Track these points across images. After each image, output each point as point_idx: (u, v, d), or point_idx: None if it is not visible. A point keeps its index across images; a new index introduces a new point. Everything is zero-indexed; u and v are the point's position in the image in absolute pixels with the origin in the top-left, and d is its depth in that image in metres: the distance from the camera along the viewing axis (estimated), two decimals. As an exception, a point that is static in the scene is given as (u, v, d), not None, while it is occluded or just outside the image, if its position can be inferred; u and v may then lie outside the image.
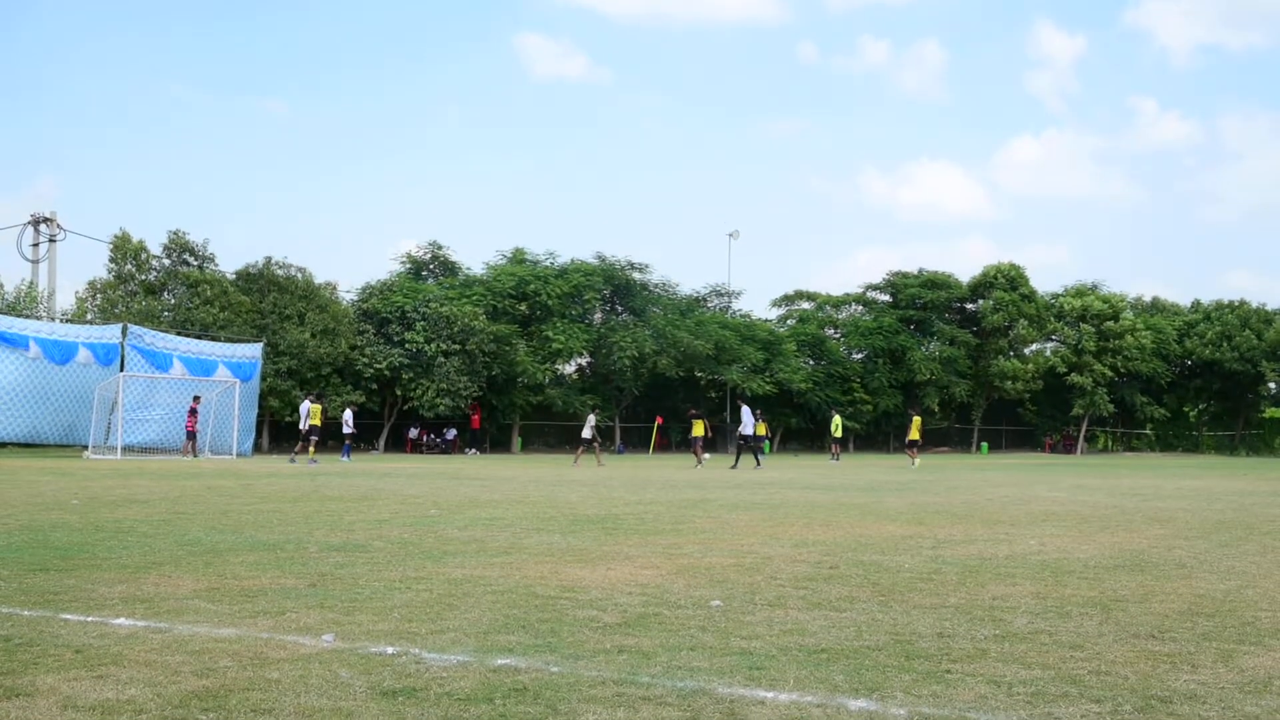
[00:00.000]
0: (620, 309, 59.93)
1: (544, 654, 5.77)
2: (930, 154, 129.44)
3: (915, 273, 70.18)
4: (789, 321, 69.63)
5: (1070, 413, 68.97)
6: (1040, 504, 17.62)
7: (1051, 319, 69.50)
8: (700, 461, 37.66)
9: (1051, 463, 46.24)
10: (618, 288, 58.75)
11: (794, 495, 19.30)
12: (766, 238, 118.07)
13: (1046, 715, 4.79)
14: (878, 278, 72.51)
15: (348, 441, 39.79)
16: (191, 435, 37.39)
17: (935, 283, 69.20)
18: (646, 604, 7.34)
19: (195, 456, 36.64)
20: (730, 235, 66.55)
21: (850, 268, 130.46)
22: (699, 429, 40.05)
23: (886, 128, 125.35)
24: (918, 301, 69.05)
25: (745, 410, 38.90)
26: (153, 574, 8.42)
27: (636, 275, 59.61)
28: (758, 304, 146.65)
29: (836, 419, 47.32)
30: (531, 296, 54.26)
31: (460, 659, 5.59)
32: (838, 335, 68.80)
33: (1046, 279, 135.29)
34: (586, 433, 39.80)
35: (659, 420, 44.66)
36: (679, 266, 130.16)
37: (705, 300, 65.48)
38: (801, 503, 17.36)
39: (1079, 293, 70.28)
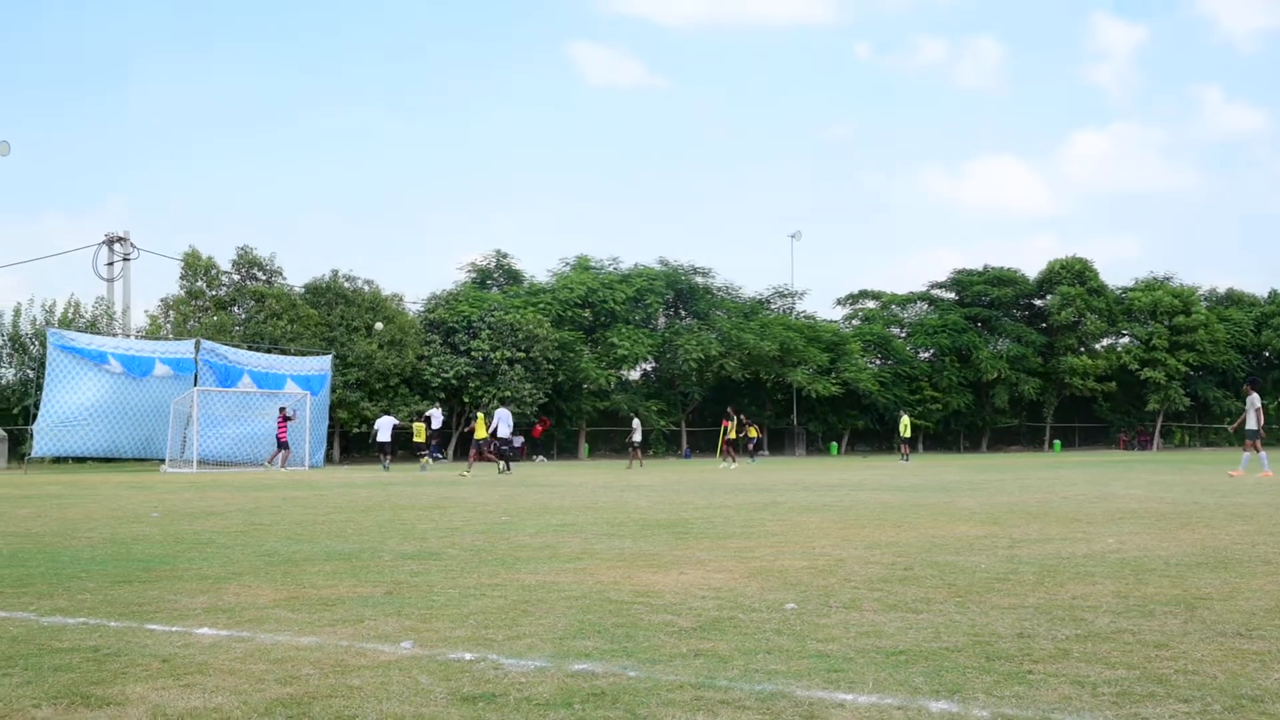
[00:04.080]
0: (684, 313, 59.97)
1: (621, 659, 5.77)
2: (992, 150, 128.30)
3: (980, 269, 69.58)
4: (853, 321, 69.28)
5: (1145, 408, 67.94)
6: (1117, 501, 17.38)
7: (1121, 314, 68.54)
8: (732, 463, 37.74)
9: (1126, 459, 45.60)
10: (681, 292, 58.81)
11: (865, 496, 19.18)
12: (829, 238, 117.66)
13: (1133, 715, 4.72)
14: (942, 275, 72.10)
15: (435, 441, 40.84)
16: (283, 445, 37.95)
17: (1001, 279, 68.53)
18: (721, 608, 7.32)
19: (283, 467, 37.17)
20: (792, 237, 66.42)
21: (914, 266, 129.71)
22: (733, 432, 40.20)
23: (946, 125, 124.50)
24: (984, 298, 68.42)
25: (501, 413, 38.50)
26: (233, 584, 8.54)
27: (700, 279, 59.65)
28: (821, 305, 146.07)
29: (905, 419, 47.05)
30: (596, 303, 54.45)
31: (538, 664, 5.62)
32: (903, 334, 68.36)
33: (1115, 273, 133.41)
34: (636, 437, 41.24)
35: (725, 423, 44.68)
36: (742, 269, 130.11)
37: (769, 302, 65.33)
38: (873, 504, 17.25)
39: (1149, 286, 69.24)
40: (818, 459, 53.83)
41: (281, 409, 38.42)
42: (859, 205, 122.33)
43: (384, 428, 39.47)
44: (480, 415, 36.24)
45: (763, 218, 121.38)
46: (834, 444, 64.24)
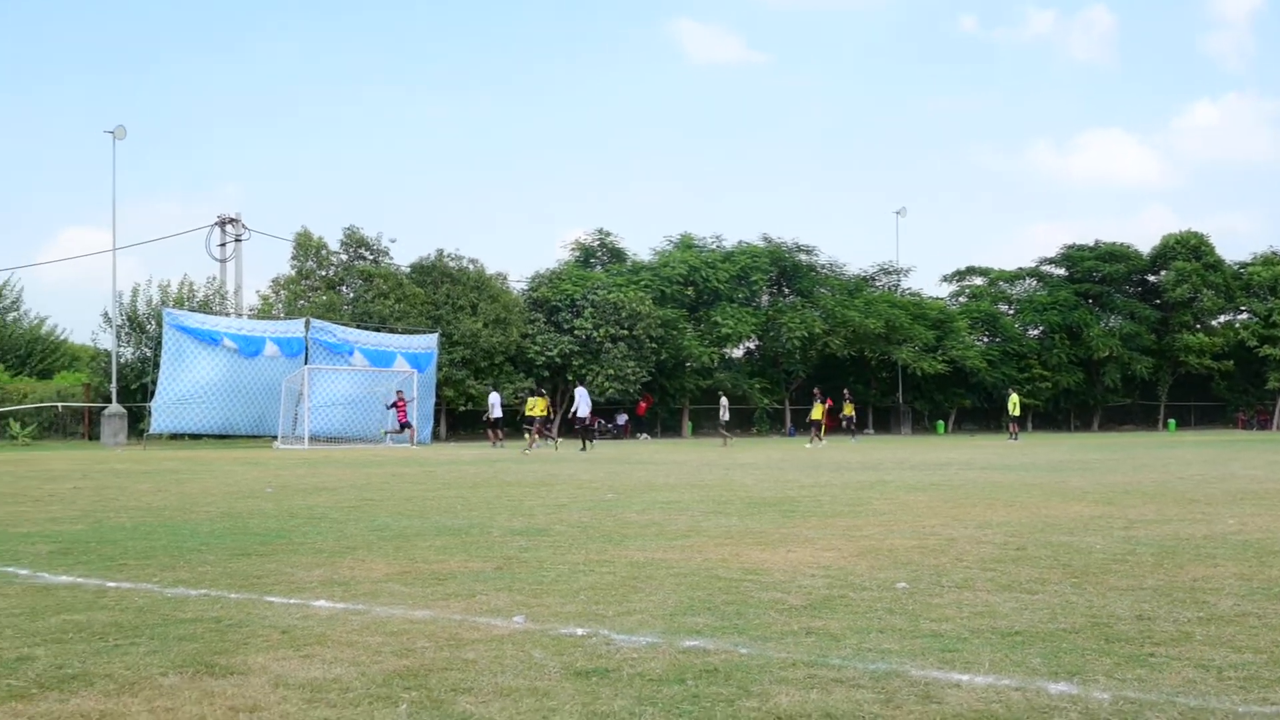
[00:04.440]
0: (788, 291, 59.59)
1: (732, 636, 5.77)
2: (1102, 123, 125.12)
3: (1091, 245, 68.02)
4: (960, 299, 68.21)
5: (1264, 386, 65.98)
6: (1237, 482, 16.93)
7: (1239, 290, 66.59)
8: (817, 442, 37.41)
9: (1245, 439, 44.44)
10: (785, 269, 58.44)
11: (974, 475, 18.93)
12: (934, 214, 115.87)
13: (1262, 700, 4.59)
14: (1052, 251, 70.42)
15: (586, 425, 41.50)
16: (407, 425, 38.60)
17: (1113, 254, 66.96)
18: (831, 586, 7.28)
19: (413, 443, 37.85)
20: (897, 213, 65.46)
21: (1022, 242, 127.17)
22: (818, 411, 39.76)
23: (1055, 98, 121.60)
24: (1095, 274, 66.92)
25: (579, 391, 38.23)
26: (347, 558, 8.69)
27: (804, 257, 59.20)
28: (927, 282, 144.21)
29: (1014, 397, 46.30)
30: (699, 281, 54.33)
31: (649, 640, 5.63)
32: (1011, 311, 67.13)
33: (1232, 248, 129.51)
34: (724, 415, 41.40)
35: (829, 401, 44.43)
36: (846, 246, 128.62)
37: (873, 279, 64.61)
38: (982, 483, 17.02)
39: (1268, 261, 67.07)
40: (923, 437, 53.25)
41: (399, 391, 39.01)
42: (965, 181, 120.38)
43: (495, 404, 39.89)
44: (534, 397, 36.22)
45: (867, 194, 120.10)
46: (940, 423, 63.43)
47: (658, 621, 6.12)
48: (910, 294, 64.66)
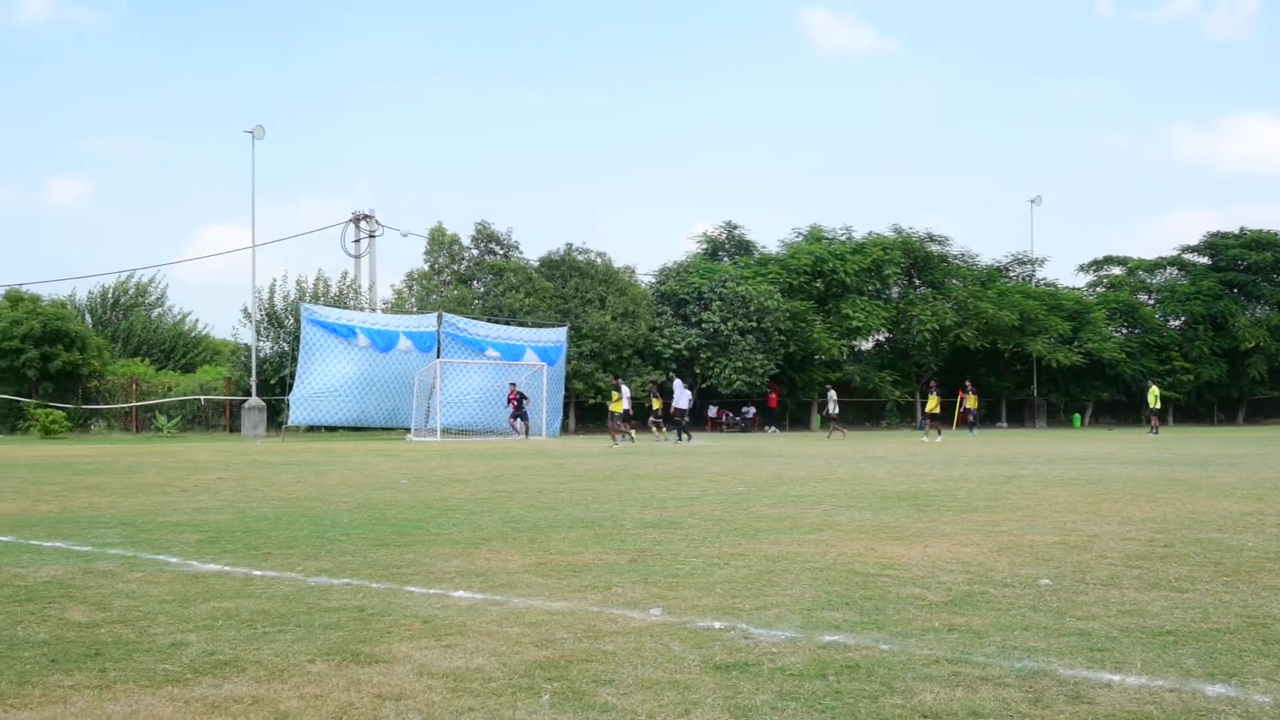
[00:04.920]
0: (919, 282, 58.79)
1: (871, 631, 5.69)
2: (1246, 106, 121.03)
3: (1237, 232, 65.83)
4: (1098, 289, 66.59)
5: None
6: (1394, 478, 16.23)
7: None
8: (934, 436, 36.71)
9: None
10: (916, 261, 57.66)
11: (1114, 470, 18.44)
12: (1071, 202, 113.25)
13: None
14: (1194, 239, 68.33)
15: (683, 419, 41.61)
16: (522, 416, 39.11)
17: (1260, 242, 64.71)
18: (971, 582, 7.14)
19: (525, 436, 38.32)
20: (1032, 201, 64.12)
21: (1163, 230, 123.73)
22: (933, 404, 39.01)
23: (1197, 80, 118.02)
24: (1240, 263, 64.75)
25: (677, 384, 37.75)
26: (483, 549, 8.79)
27: (935, 247, 58.35)
28: (1063, 271, 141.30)
29: (1154, 390, 45.09)
30: (828, 273, 53.91)
31: (788, 635, 5.58)
32: (1152, 302, 65.34)
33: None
34: (832, 408, 41.04)
35: (960, 394, 43.72)
36: (979, 236, 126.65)
37: (1007, 269, 63.43)
38: (1123, 478, 16.57)
39: None
40: (1059, 431, 52.12)
41: (513, 384, 39.44)
42: (1103, 167, 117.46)
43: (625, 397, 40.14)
44: (615, 391, 36.16)
45: (1000, 183, 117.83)
46: (1077, 416, 62.03)
47: (795, 616, 6.07)
48: (1045, 284, 63.34)
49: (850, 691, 4.58)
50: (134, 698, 4.50)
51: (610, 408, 35.26)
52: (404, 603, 6.48)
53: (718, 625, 5.80)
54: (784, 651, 5.24)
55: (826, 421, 42.63)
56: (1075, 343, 58.66)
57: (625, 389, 38.53)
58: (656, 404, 36.84)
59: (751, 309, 49.59)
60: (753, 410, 53.65)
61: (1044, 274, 64.92)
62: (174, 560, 8.23)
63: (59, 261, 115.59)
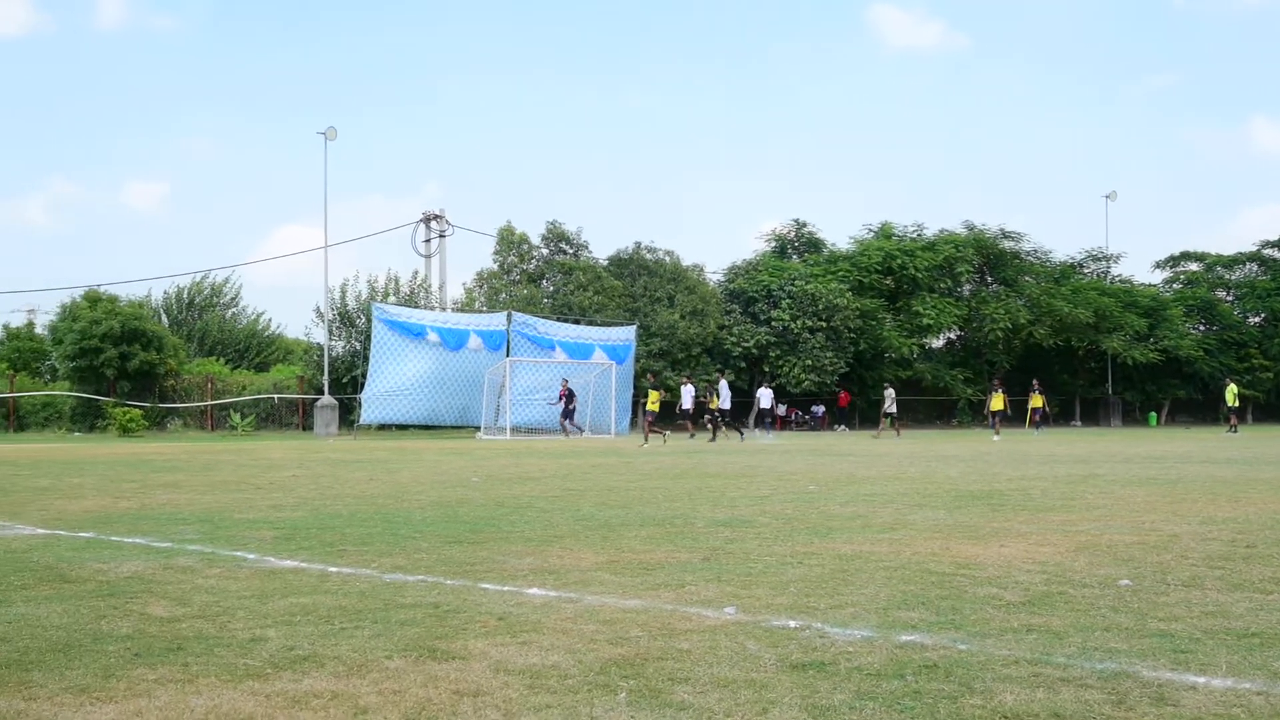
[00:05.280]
0: (991, 279, 58.17)
1: (949, 631, 5.62)
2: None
3: (1319, 227, 64.48)
4: (1174, 285, 65.51)
5: None
6: None
7: None
8: (995, 436, 36.25)
9: None
10: (989, 258, 57.05)
11: (1192, 470, 18.12)
12: (1146, 198, 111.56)
13: None
14: (1275, 234, 66.98)
15: (769, 420, 41.82)
16: (569, 412, 39.16)
17: (1344, 236, 63.33)
18: (1049, 582, 7.04)
19: (568, 435, 38.33)
20: (1107, 197, 63.21)
21: (1242, 225, 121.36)
22: (998, 402, 38.39)
23: (1275, 71, 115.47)
24: (1323, 258, 63.42)
25: (722, 384, 37.81)
26: (555, 547, 8.81)
27: (1009, 244, 57.69)
28: (1139, 268, 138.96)
29: (1232, 387, 44.26)
30: (898, 270, 53.51)
31: (864, 634, 5.54)
32: (1230, 298, 64.15)
33: None
34: (889, 406, 40.54)
35: (1030, 393, 43.32)
36: (1051, 232, 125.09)
37: (1081, 266, 62.60)
38: (1202, 477, 16.28)
39: None
40: (1135, 430, 51.35)
41: (565, 380, 39.46)
42: (1179, 162, 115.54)
43: (686, 396, 40.12)
44: (652, 390, 36.03)
45: (1074, 178, 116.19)
46: (1153, 414, 61.08)
47: (871, 615, 6.02)
48: (1120, 281, 62.45)
49: (929, 692, 4.53)
50: (216, 691, 4.56)
51: (646, 406, 35.10)
52: (478, 600, 6.51)
53: (793, 624, 5.77)
54: (860, 651, 5.20)
55: (883, 419, 42.50)
56: (1151, 340, 57.79)
57: (690, 388, 38.43)
58: (714, 403, 36.86)
59: (821, 307, 49.36)
60: (822, 409, 53.41)
61: (1119, 270, 64.03)
62: (251, 556, 8.34)
63: (136, 262, 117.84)
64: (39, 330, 56.32)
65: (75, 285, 65.07)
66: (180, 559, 8.21)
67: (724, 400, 36.97)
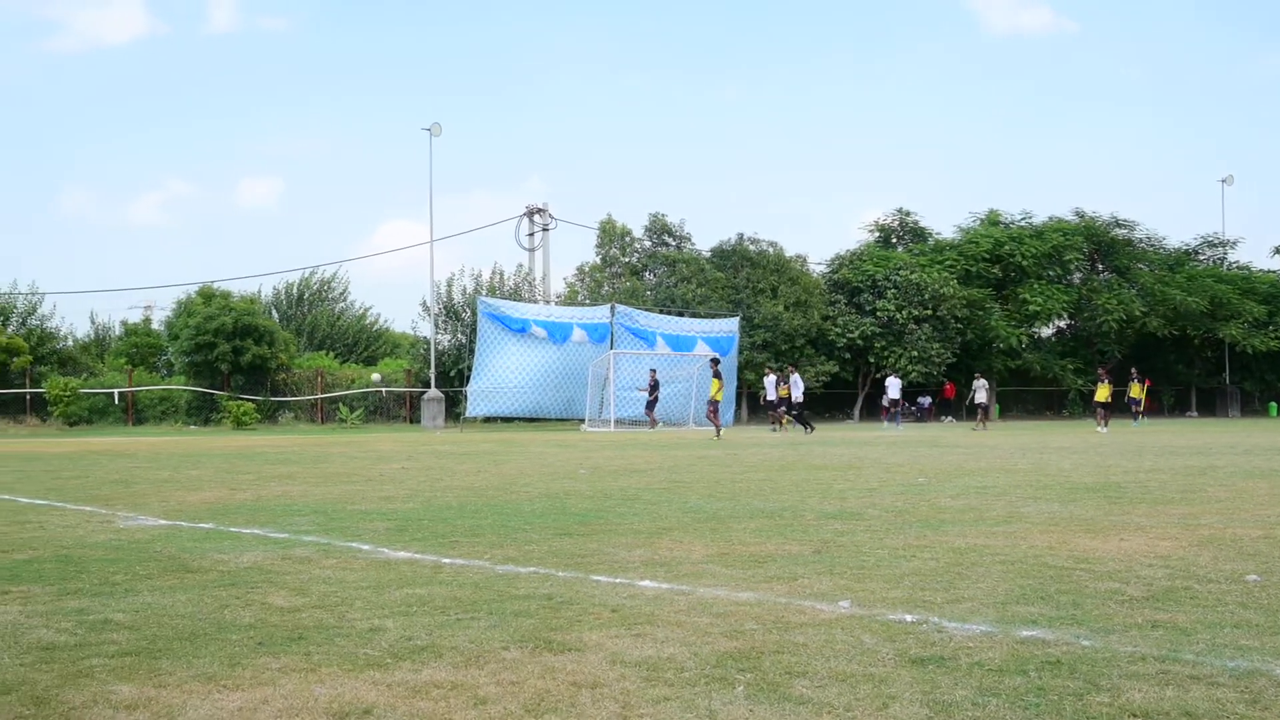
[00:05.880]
0: (1102, 268, 56.93)
1: (1070, 626, 5.51)
2: None
3: None
4: (1296, 271, 63.54)
5: None
6: None
7: None
8: (1101, 427, 35.28)
9: None
10: (1100, 246, 55.83)
11: (1317, 461, 17.57)
12: (1266, 181, 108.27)
13: None
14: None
15: (897, 409, 41.56)
16: (651, 407, 38.90)
17: None
18: (1172, 577, 6.87)
19: (654, 427, 38.08)
20: (1223, 181, 61.51)
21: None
22: (1103, 393, 37.29)
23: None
24: None
25: (794, 376, 37.18)
26: (665, 539, 8.81)
27: (1120, 231, 56.39)
28: (1258, 254, 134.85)
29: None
30: (1006, 258, 52.59)
31: (983, 629, 5.45)
32: (1356, 282, 62.06)
33: None
34: (980, 396, 40.66)
35: (1148, 383, 42.30)
36: (1166, 219, 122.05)
37: (1196, 253, 61.02)
38: (1328, 469, 15.77)
39: None
40: (1254, 420, 49.96)
41: (653, 370, 39.17)
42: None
43: (796, 384, 39.88)
44: (716, 379, 35.40)
45: (1188, 163, 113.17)
46: (1273, 404, 59.34)
47: (989, 610, 5.92)
48: (1238, 267, 60.72)
49: (1053, 688, 4.44)
50: (338, 680, 4.63)
51: (711, 395, 34.34)
52: (591, 591, 6.53)
53: (909, 618, 5.70)
54: (980, 646, 5.11)
55: (975, 410, 41.84)
56: (1271, 328, 56.13)
57: (797, 378, 38.05)
58: (784, 392, 36.54)
59: (926, 296, 48.75)
60: (929, 399, 52.75)
61: (1236, 257, 62.28)
62: (366, 547, 8.45)
63: (248, 258, 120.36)
64: (156, 326, 57.78)
65: (190, 282, 66.64)
66: (297, 550, 8.36)
67: (796, 391, 36.74)
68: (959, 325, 49.91)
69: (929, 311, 48.82)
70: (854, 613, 5.86)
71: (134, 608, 6.15)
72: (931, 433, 34.74)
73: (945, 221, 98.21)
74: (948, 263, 51.42)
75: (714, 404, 33.30)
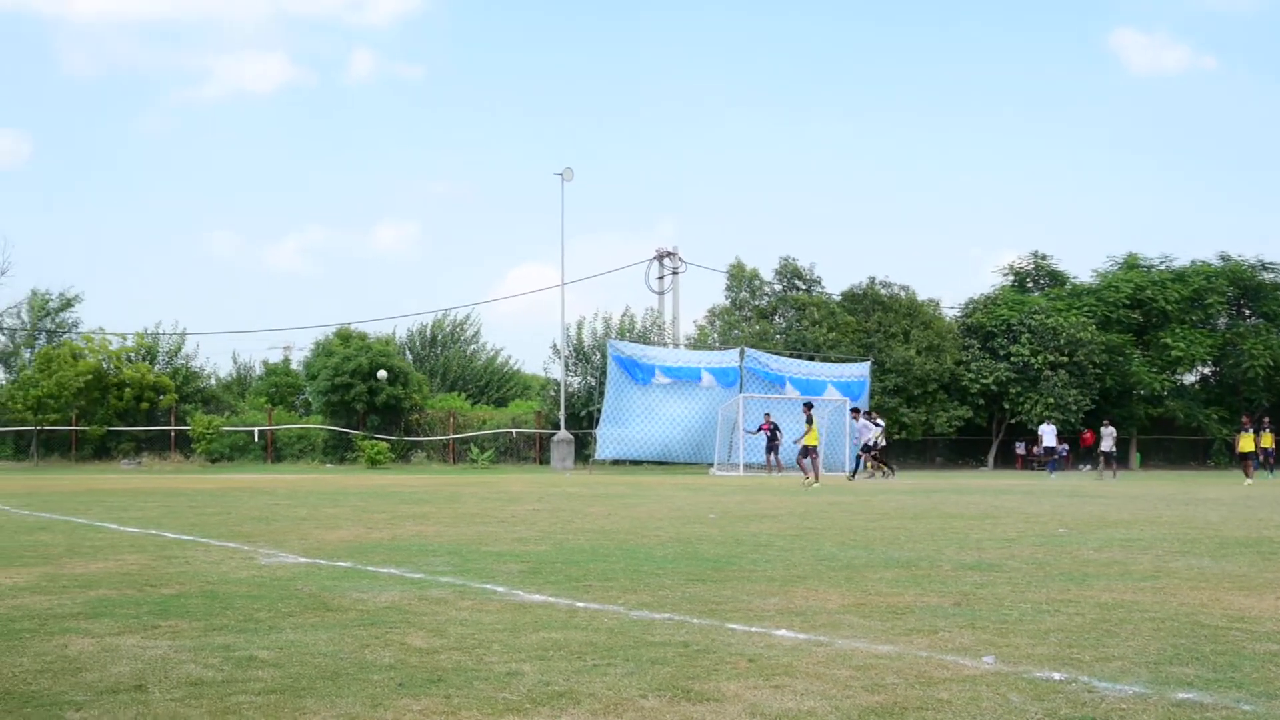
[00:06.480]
0: (1249, 312, 55.08)
1: (1229, 690, 5.28)
2: None
3: None
4: None
5: None
6: None
7: None
8: (1246, 479, 33.75)
9: None
10: (1245, 290, 54.03)
11: None
12: None
13: None
14: None
15: (1053, 458, 40.79)
16: (772, 449, 38.45)
17: None
18: (1337, 639, 6.56)
19: (773, 472, 37.62)
20: (1377, 225, 59.20)
21: None
22: (1246, 443, 35.60)
23: None
24: None
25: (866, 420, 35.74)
26: (799, 587, 8.69)
27: (1267, 276, 54.54)
28: None
29: None
30: (1147, 303, 51.22)
31: (1135, 690, 5.25)
32: None
33: None
34: (1105, 445, 39.21)
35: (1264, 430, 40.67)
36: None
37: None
38: None
39: None
40: None
41: (767, 415, 38.78)
42: None
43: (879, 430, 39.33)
44: (809, 425, 34.64)
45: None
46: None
47: (1141, 670, 5.71)
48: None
49: (1215, 756, 4.25)
50: (477, 725, 4.64)
51: (805, 440, 33.62)
52: (727, 640, 6.46)
53: (1057, 676, 5.52)
54: (1134, 708, 4.92)
55: (1101, 459, 40.45)
56: None
57: (878, 423, 37.30)
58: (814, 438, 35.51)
59: (1063, 341, 47.72)
60: (1066, 448, 51.51)
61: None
62: (501, 589, 8.50)
63: (383, 301, 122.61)
64: (294, 366, 59.28)
65: (328, 323, 68.16)
66: (433, 590, 8.43)
67: (880, 437, 36.49)
68: (1097, 371, 48.73)
69: (1065, 357, 47.78)
70: (999, 669, 5.70)
71: (277, 645, 6.26)
72: (1071, 482, 33.89)
73: (1082, 265, 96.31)
74: (1085, 308, 50.29)
75: (807, 449, 32.87)
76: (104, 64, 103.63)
